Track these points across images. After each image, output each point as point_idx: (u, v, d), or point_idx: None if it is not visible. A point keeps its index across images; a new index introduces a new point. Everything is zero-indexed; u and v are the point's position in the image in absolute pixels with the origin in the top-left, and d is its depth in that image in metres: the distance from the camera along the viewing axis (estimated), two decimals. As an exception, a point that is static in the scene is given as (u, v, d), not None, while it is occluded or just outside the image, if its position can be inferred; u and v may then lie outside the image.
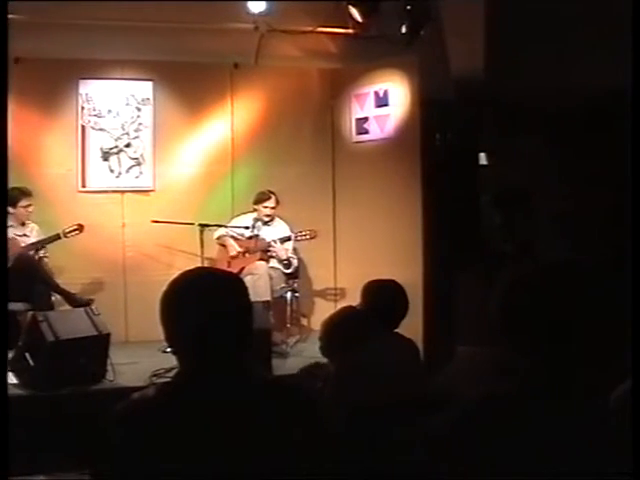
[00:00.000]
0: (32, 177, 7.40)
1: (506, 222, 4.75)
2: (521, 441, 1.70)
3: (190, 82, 8.07)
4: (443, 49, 6.76)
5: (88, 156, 7.90)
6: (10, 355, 5.26)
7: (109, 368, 5.76)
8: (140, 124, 8.04)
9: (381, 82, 7.94)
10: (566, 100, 7.19)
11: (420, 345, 5.12)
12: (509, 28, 6.30)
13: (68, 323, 5.67)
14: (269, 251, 7.40)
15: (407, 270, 6.84)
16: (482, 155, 8.27)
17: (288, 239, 7.48)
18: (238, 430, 1.92)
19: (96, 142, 7.93)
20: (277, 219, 7.66)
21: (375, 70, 7.96)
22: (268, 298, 6.98)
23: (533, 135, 7.72)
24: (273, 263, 7.42)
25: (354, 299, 4.41)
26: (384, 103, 7.92)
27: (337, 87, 8.36)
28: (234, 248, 7.49)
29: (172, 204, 7.96)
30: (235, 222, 7.64)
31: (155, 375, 5.77)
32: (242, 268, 7.21)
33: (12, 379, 5.29)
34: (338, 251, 8.33)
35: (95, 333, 5.75)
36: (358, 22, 6.76)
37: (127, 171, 8.01)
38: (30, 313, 5.70)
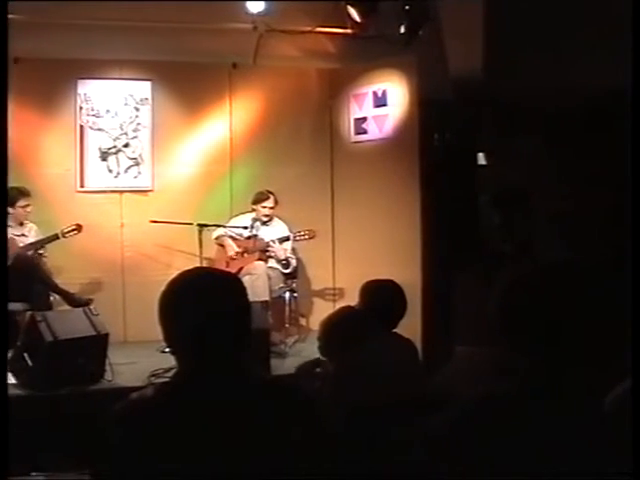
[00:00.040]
0: (30, 177, 7.40)
1: (505, 222, 4.75)
2: (520, 441, 1.70)
3: (189, 82, 8.07)
4: (442, 49, 6.76)
5: (86, 156, 7.90)
6: (8, 355, 5.25)
7: (107, 368, 5.77)
8: (139, 124, 8.04)
9: (380, 82, 7.94)
10: (564, 100, 7.20)
11: (419, 345, 5.11)
12: (507, 28, 6.29)
13: (67, 323, 5.67)
14: (268, 251, 7.39)
15: (406, 270, 6.84)
16: (481, 155, 8.27)
17: (287, 239, 7.48)
18: (236, 430, 1.92)
19: (94, 142, 7.93)
20: (276, 219, 7.66)
21: (374, 70, 7.96)
22: (267, 298, 6.98)
23: (532, 135, 7.73)
24: (272, 263, 7.42)
25: (353, 299, 4.41)
26: (383, 103, 7.92)
27: (336, 87, 8.36)
28: (233, 248, 7.49)
29: (171, 204, 7.96)
30: (234, 222, 7.64)
31: (154, 375, 5.78)
32: (241, 268, 7.21)
33: (10, 379, 5.28)
34: (337, 251, 8.34)
35: (94, 333, 5.75)
36: (357, 22, 6.76)
37: (125, 171, 8.01)
38: (28, 313, 5.69)
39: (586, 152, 7.43)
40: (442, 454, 1.82)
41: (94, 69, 7.91)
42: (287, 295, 7.55)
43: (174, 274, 2.09)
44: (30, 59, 7.17)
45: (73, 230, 7.13)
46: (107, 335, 5.83)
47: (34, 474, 4.56)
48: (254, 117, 8.28)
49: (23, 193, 6.91)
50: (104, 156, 7.95)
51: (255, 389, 2.05)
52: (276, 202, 7.54)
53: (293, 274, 7.63)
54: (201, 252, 7.14)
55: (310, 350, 5.88)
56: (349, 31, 7.11)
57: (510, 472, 1.68)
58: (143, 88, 8.05)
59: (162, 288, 2.06)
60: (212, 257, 7.60)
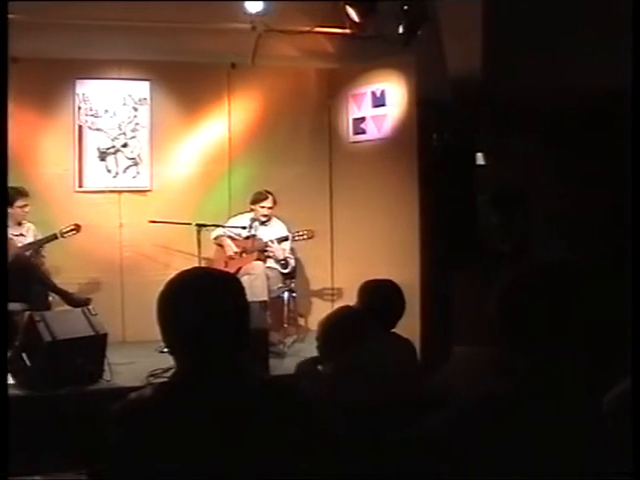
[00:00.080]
0: (29, 177, 7.39)
1: (503, 222, 4.76)
2: (519, 441, 1.70)
3: (187, 82, 8.07)
4: (440, 49, 6.76)
5: (85, 156, 7.90)
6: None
7: (106, 368, 5.76)
8: (137, 124, 8.04)
9: (378, 82, 7.94)
10: (563, 100, 7.20)
11: (417, 345, 5.11)
12: (506, 28, 6.30)
13: (65, 323, 5.67)
14: (266, 251, 7.39)
15: (404, 270, 6.84)
16: (479, 155, 8.28)
17: (285, 239, 7.48)
18: (235, 430, 1.92)
19: (93, 142, 7.93)
20: (274, 219, 7.66)
21: (372, 70, 7.96)
22: (265, 298, 6.98)
23: (530, 135, 7.73)
24: (270, 263, 7.42)
25: (351, 299, 4.40)
26: (381, 103, 7.91)
27: (334, 87, 8.36)
28: (231, 248, 7.49)
29: (169, 204, 7.96)
30: (232, 222, 7.64)
31: (152, 375, 5.78)
32: (239, 268, 7.21)
33: (9, 379, 5.28)
34: (335, 251, 8.33)
35: (92, 333, 5.75)
36: (355, 22, 6.76)
37: (124, 171, 8.01)
38: (27, 313, 5.69)
39: (584, 152, 7.44)
40: (441, 454, 1.82)
41: (92, 69, 7.90)
42: (286, 295, 7.54)
43: (173, 274, 2.09)
44: (28, 59, 7.15)
45: (72, 230, 7.14)
46: (106, 335, 5.83)
47: (33, 474, 4.56)
48: (253, 117, 8.28)
49: (21, 193, 6.91)
50: (103, 156, 7.95)
51: (254, 389, 2.05)
52: (275, 202, 7.54)
53: (292, 274, 7.63)
54: (200, 252, 7.13)
55: (309, 350, 5.86)
56: (348, 31, 7.12)
57: (510, 472, 1.68)
58: (141, 88, 8.05)
59: (161, 288, 2.06)
60: (211, 257, 7.60)
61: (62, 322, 5.66)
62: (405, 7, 6.52)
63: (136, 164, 8.03)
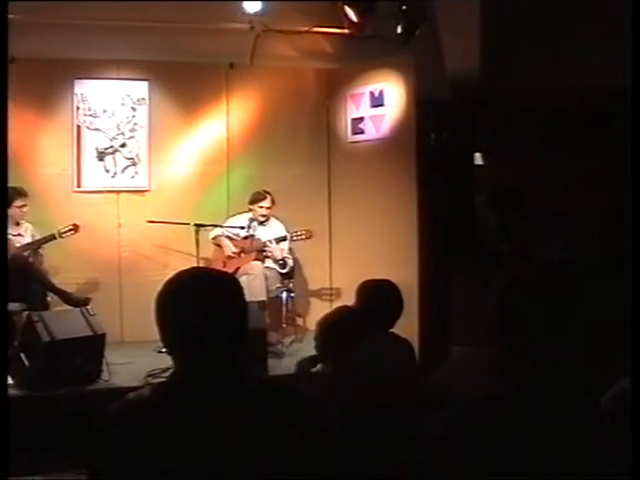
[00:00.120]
0: (27, 177, 7.38)
1: (502, 222, 4.74)
2: (518, 441, 1.70)
3: (186, 82, 8.07)
4: (439, 49, 6.76)
5: (83, 156, 7.90)
6: (5, 355, 5.25)
7: (104, 368, 5.76)
8: (135, 124, 8.04)
9: (377, 82, 7.94)
10: (561, 100, 7.20)
11: (415, 345, 5.11)
12: (504, 28, 6.30)
13: (63, 323, 5.67)
14: (264, 251, 7.39)
15: (403, 270, 6.84)
16: (477, 155, 8.28)
17: (284, 239, 7.48)
18: (234, 430, 1.92)
19: (91, 142, 7.93)
20: (273, 219, 7.66)
21: (371, 70, 7.96)
22: (263, 298, 6.98)
23: (528, 135, 7.74)
24: (268, 263, 7.42)
25: (350, 299, 4.40)
26: (380, 103, 7.92)
27: (333, 87, 8.36)
28: (229, 248, 7.49)
29: (168, 204, 7.96)
30: (231, 222, 7.64)
31: (150, 375, 5.78)
32: (237, 268, 7.21)
33: (7, 379, 5.28)
34: (334, 251, 8.33)
35: (90, 333, 5.75)
36: (354, 22, 6.76)
37: (122, 171, 8.01)
38: (25, 313, 5.69)
39: (583, 152, 7.45)
40: (440, 454, 1.82)
41: (91, 69, 7.91)
42: (284, 295, 7.55)
43: (171, 274, 2.09)
44: (27, 59, 7.14)
45: (70, 230, 7.13)
46: (104, 335, 5.83)
47: (31, 474, 4.56)
48: (251, 117, 8.28)
49: (20, 193, 6.91)
50: (101, 156, 7.94)
51: (252, 389, 2.05)
52: (273, 202, 7.54)
53: (290, 274, 7.64)
54: (198, 252, 7.14)
55: (307, 350, 5.86)
56: (346, 31, 7.11)
57: (509, 472, 1.68)
58: (140, 88, 8.05)
59: (159, 288, 2.06)
60: (209, 257, 7.60)
61: (60, 322, 5.66)
62: (403, 7, 6.51)
63: (134, 164, 8.03)
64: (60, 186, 7.80)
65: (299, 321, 8.12)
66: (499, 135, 7.89)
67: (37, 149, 7.77)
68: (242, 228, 7.44)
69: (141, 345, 6.59)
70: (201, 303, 2.00)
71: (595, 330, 1.75)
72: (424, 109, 7.57)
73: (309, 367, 4.26)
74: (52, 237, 7.07)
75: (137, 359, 6.42)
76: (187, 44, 7.33)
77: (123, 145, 8.00)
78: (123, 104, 8.02)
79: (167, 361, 2.14)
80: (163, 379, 2.41)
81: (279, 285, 7.41)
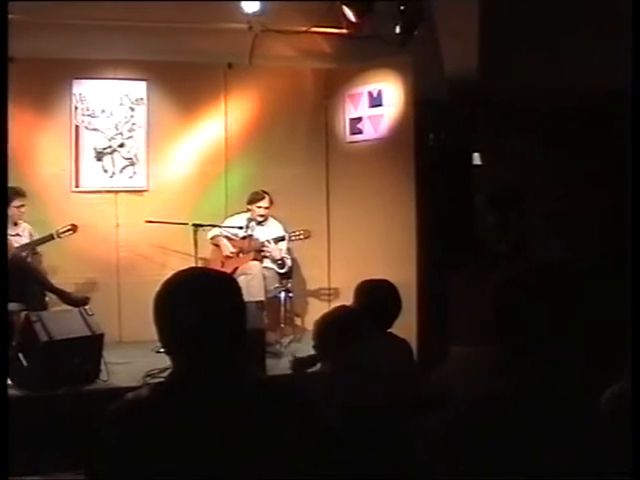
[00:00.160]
0: (25, 177, 7.37)
1: (500, 222, 4.75)
2: (517, 441, 1.70)
3: (184, 82, 8.07)
4: (437, 49, 6.76)
5: (82, 156, 7.90)
6: (3, 355, 5.25)
7: (103, 368, 5.76)
8: (134, 124, 8.04)
9: (375, 82, 7.94)
10: (559, 100, 7.20)
11: (414, 345, 5.12)
12: (503, 28, 6.30)
13: (62, 323, 5.67)
14: (263, 251, 7.39)
15: (401, 270, 6.85)
16: (476, 155, 8.28)
17: (282, 239, 7.48)
18: (232, 430, 1.92)
19: (90, 142, 7.92)
20: (271, 219, 7.66)
21: (369, 70, 7.96)
22: (262, 298, 6.97)
23: (527, 135, 7.74)
24: (267, 263, 7.42)
25: (348, 299, 4.40)
26: (378, 103, 7.92)
27: (331, 87, 8.36)
28: (228, 248, 7.49)
29: (166, 204, 7.96)
30: (229, 222, 7.64)
31: (149, 375, 5.77)
32: (236, 268, 7.21)
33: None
34: (332, 251, 8.33)
35: (89, 333, 5.74)
36: (352, 22, 6.75)
37: (121, 171, 8.01)
38: (23, 313, 5.69)
39: (581, 152, 7.45)
40: (439, 454, 1.82)
41: (89, 69, 7.90)
42: (282, 295, 7.55)
43: (169, 274, 2.08)
44: (25, 59, 7.14)
45: (68, 230, 7.13)
46: (102, 335, 5.82)
47: (30, 475, 4.55)
48: (249, 117, 8.28)
49: (18, 193, 6.90)
50: (99, 156, 7.94)
51: (251, 389, 2.05)
52: (271, 202, 7.54)
53: (288, 274, 7.63)
54: (196, 252, 7.13)
55: (305, 350, 5.84)
56: (344, 31, 7.11)
57: (508, 472, 1.68)
58: (138, 88, 8.05)
59: (157, 288, 2.06)
60: (207, 257, 7.60)
61: (59, 322, 5.65)
62: (402, 7, 6.51)
63: (133, 164, 8.03)
64: (58, 186, 7.80)
65: (297, 321, 8.11)
66: (497, 135, 7.89)
67: (35, 149, 7.77)
68: (240, 228, 7.44)
69: (139, 345, 6.58)
70: (199, 303, 2.00)
71: (593, 330, 1.75)
72: (422, 109, 7.57)
73: (304, 367, 4.27)
74: (50, 237, 7.07)
75: (135, 359, 6.42)
76: (185, 44, 7.33)
77: (121, 145, 8.00)
78: (121, 104, 8.01)
79: (165, 361, 2.14)
80: (161, 379, 2.41)
81: (277, 285, 7.42)
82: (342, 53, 7.69)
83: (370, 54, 7.39)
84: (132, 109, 8.03)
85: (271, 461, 1.92)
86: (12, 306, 6.11)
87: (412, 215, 7.36)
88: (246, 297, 2.18)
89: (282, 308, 7.55)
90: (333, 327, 3.99)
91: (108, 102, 7.97)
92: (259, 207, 7.50)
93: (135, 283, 7.56)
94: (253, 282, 6.93)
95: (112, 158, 7.98)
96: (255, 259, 7.35)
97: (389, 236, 7.54)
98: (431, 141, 8.10)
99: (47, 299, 6.80)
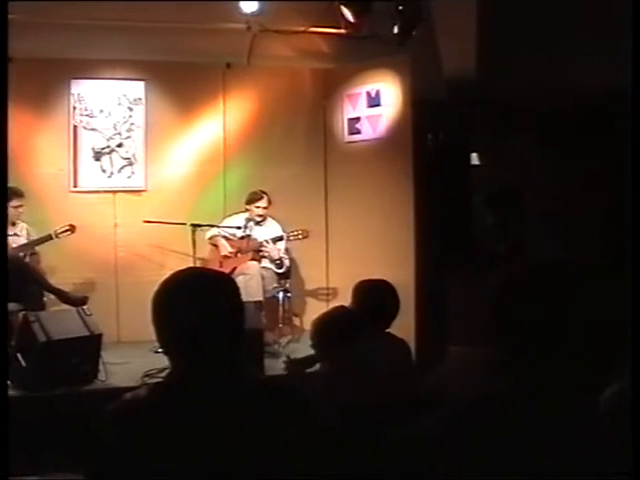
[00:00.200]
0: (24, 177, 7.36)
1: (498, 222, 4.76)
2: (515, 441, 1.70)
3: (182, 82, 8.06)
4: (435, 49, 6.76)
5: (80, 156, 7.89)
6: (2, 355, 5.24)
7: (101, 368, 5.76)
8: (132, 124, 8.03)
9: (373, 82, 7.94)
10: (558, 100, 7.21)
11: (412, 345, 5.12)
12: (501, 28, 6.30)
13: (60, 323, 5.66)
14: (261, 251, 7.39)
15: (399, 270, 6.85)
16: (474, 155, 8.28)
17: (280, 239, 7.48)
18: (231, 430, 1.92)
19: (88, 142, 7.92)
20: (269, 219, 7.65)
21: (367, 70, 7.96)
22: (260, 298, 6.97)
23: (525, 135, 7.74)
24: (265, 263, 7.41)
25: (346, 299, 4.40)
26: (376, 103, 7.92)
27: (329, 87, 8.35)
28: (226, 248, 7.49)
29: (164, 204, 7.95)
30: (227, 222, 7.64)
31: (147, 375, 5.77)
32: (234, 268, 7.21)
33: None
34: (330, 251, 8.33)
35: (87, 333, 5.74)
36: (350, 22, 6.75)
37: (119, 171, 8.00)
38: (22, 313, 5.68)
39: (579, 152, 7.45)
40: (436, 454, 1.82)
41: (87, 69, 7.90)
42: (281, 295, 7.55)
43: (167, 274, 2.09)
44: (23, 59, 7.13)
45: (66, 230, 7.13)
46: (100, 335, 5.82)
47: (28, 475, 4.55)
48: (248, 117, 8.28)
49: (16, 193, 6.90)
50: (97, 156, 7.94)
51: (249, 389, 2.05)
52: (270, 202, 7.54)
53: (287, 274, 7.63)
54: (194, 252, 7.13)
55: (304, 350, 5.86)
56: (343, 31, 7.10)
57: (505, 472, 1.68)
58: (136, 88, 8.04)
59: (155, 288, 2.06)
60: (205, 257, 7.59)
61: (57, 322, 5.65)
62: (400, 7, 6.51)
63: (131, 164, 8.02)
64: (56, 186, 7.79)
65: (296, 321, 8.11)
66: (496, 135, 7.89)
67: (33, 149, 7.76)
68: (239, 228, 7.44)
69: (138, 345, 6.58)
70: (197, 303, 2.00)
71: (591, 330, 1.75)
72: (421, 109, 7.57)
73: (300, 368, 4.28)
74: (49, 237, 7.06)
75: (134, 359, 6.41)
76: (184, 44, 7.32)
77: (120, 145, 7.99)
78: (120, 104, 8.01)
79: (164, 361, 2.14)
80: (160, 379, 2.41)
81: (276, 285, 7.42)
82: (340, 53, 7.69)
83: (368, 54, 7.39)
84: (130, 109, 8.03)
85: (270, 461, 1.92)
86: (10, 306, 6.10)
87: (410, 215, 7.36)
88: (244, 297, 2.18)
89: (280, 308, 7.55)
90: (331, 327, 3.99)
91: (106, 102, 7.96)
92: (257, 207, 7.50)
93: (133, 283, 7.55)
94: (251, 282, 6.93)
95: (110, 158, 7.97)
96: (253, 259, 7.35)
97: (387, 236, 7.54)
98: (429, 141, 8.11)
99: (45, 299, 6.80)
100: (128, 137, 8.02)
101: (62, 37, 7.03)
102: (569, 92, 7.02)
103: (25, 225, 7.16)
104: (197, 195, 8.10)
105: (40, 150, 7.80)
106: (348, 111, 8.17)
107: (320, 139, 8.37)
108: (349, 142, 8.18)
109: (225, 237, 7.58)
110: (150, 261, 7.85)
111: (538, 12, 6.09)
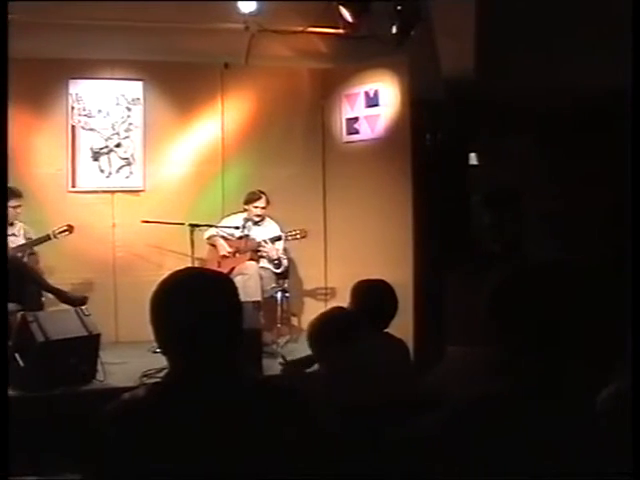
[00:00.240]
0: (22, 177, 7.35)
1: (496, 222, 4.75)
2: (514, 441, 1.70)
3: (180, 82, 8.06)
4: (434, 49, 6.76)
5: (78, 156, 7.89)
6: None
7: (99, 368, 5.75)
8: (130, 124, 8.03)
9: (371, 82, 7.94)
10: (556, 100, 7.21)
11: (410, 345, 5.11)
12: (500, 28, 6.30)
13: (58, 323, 5.66)
14: (259, 251, 7.39)
15: (397, 270, 6.85)
16: (472, 155, 8.28)
17: (278, 239, 7.48)
18: (229, 430, 1.92)
19: (86, 142, 7.92)
20: (267, 219, 7.65)
21: (366, 70, 7.96)
22: (258, 298, 6.97)
23: (523, 135, 7.74)
24: (263, 263, 7.41)
25: (345, 299, 4.40)
26: (374, 103, 7.92)
27: (328, 87, 8.36)
28: (224, 248, 7.48)
29: (162, 204, 7.96)
30: (225, 222, 7.63)
31: (145, 375, 5.77)
32: (232, 268, 7.21)
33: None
34: (329, 251, 8.33)
35: (85, 333, 5.73)
36: (349, 22, 6.75)
37: (117, 171, 8.00)
38: (20, 313, 5.68)
39: (578, 152, 7.46)
40: (435, 454, 1.82)
41: (86, 69, 7.90)
42: (279, 295, 7.54)
43: (166, 274, 2.08)
44: (21, 59, 7.11)
45: (65, 230, 7.12)
46: (99, 335, 5.81)
47: (26, 475, 4.54)
48: (246, 117, 8.28)
49: (14, 193, 6.89)
50: (96, 156, 7.94)
51: (248, 389, 2.05)
52: (268, 202, 7.54)
53: (285, 274, 7.63)
54: (193, 252, 7.13)
55: (302, 350, 5.84)
56: (341, 31, 7.11)
57: (504, 472, 1.68)
58: (135, 88, 8.04)
59: (154, 288, 2.06)
60: (204, 257, 7.59)
61: (55, 322, 5.64)
62: (398, 7, 6.51)
63: (129, 164, 8.02)
64: (55, 186, 7.80)
65: (294, 321, 8.11)
66: (494, 135, 7.90)
67: (32, 149, 7.76)
68: (237, 228, 7.44)
69: (136, 345, 6.57)
70: (196, 303, 2.00)
71: (591, 330, 1.75)
72: (419, 109, 7.58)
73: (297, 368, 4.27)
74: (47, 237, 7.06)
75: (132, 359, 6.41)
76: (182, 44, 7.32)
77: (118, 145, 7.99)
78: (118, 104, 8.01)
79: (162, 361, 2.14)
80: (158, 379, 2.41)
81: (274, 285, 7.41)
82: (339, 53, 7.69)
83: (367, 54, 7.39)
84: (129, 109, 8.03)
85: (269, 461, 1.92)
86: (9, 306, 6.09)
87: (409, 215, 7.36)
88: (242, 297, 2.18)
89: (279, 308, 7.54)
90: (329, 327, 3.98)
91: (105, 102, 7.97)
92: (256, 207, 7.50)
93: (131, 283, 7.55)
94: (250, 282, 6.94)
95: (109, 158, 7.97)
96: (252, 259, 7.35)
97: (386, 236, 7.54)
98: (428, 141, 8.11)
99: (43, 299, 6.80)
100: (126, 137, 8.02)
101: (60, 37, 7.03)
102: (568, 92, 7.02)
103: (23, 225, 7.16)
104: (195, 195, 8.10)
105: (38, 150, 7.80)
106: (346, 111, 8.17)
107: (318, 139, 8.37)
108: (347, 142, 8.18)
109: (223, 237, 7.58)
110: (148, 261, 7.85)
111: (537, 12, 6.09)
